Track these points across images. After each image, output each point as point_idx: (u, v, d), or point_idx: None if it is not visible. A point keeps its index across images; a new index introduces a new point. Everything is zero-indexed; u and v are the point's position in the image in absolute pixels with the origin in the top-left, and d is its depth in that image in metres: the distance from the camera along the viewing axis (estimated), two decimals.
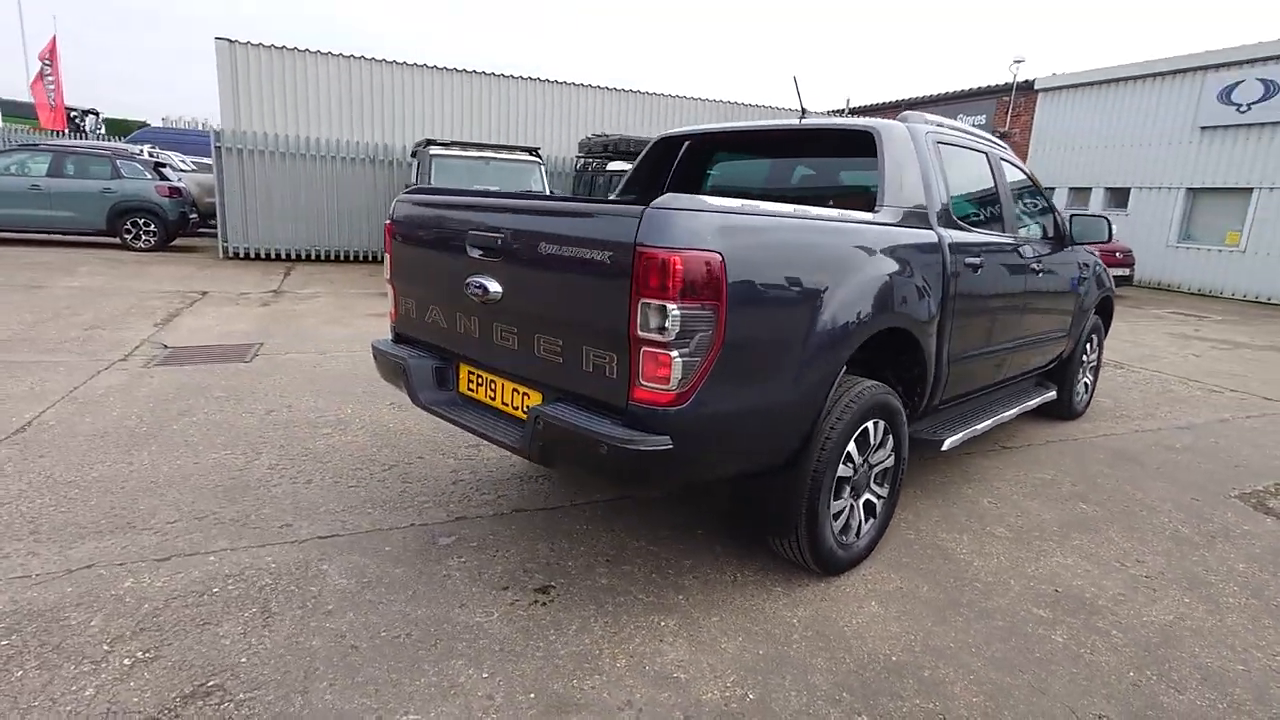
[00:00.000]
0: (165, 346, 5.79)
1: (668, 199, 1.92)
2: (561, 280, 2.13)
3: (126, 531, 2.78)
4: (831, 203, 3.29)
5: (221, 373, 5.08)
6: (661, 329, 1.88)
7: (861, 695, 2.08)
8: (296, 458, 3.61)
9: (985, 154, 3.58)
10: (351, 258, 12.49)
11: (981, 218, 3.48)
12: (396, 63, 12.84)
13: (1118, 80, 15.60)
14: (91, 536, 2.72)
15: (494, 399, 2.57)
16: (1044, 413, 4.86)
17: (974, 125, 19.26)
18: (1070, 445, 4.50)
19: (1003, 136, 19.06)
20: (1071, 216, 4.29)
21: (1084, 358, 4.84)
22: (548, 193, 9.94)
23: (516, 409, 2.46)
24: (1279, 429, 5.09)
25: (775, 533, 2.50)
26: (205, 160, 12.30)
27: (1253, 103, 13.30)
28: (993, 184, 3.59)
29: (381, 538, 2.85)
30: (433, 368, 2.75)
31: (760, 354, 2.11)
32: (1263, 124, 13.25)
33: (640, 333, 1.92)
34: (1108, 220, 4.23)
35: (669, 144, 3.82)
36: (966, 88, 19.82)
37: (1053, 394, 4.44)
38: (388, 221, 2.93)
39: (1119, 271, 12.94)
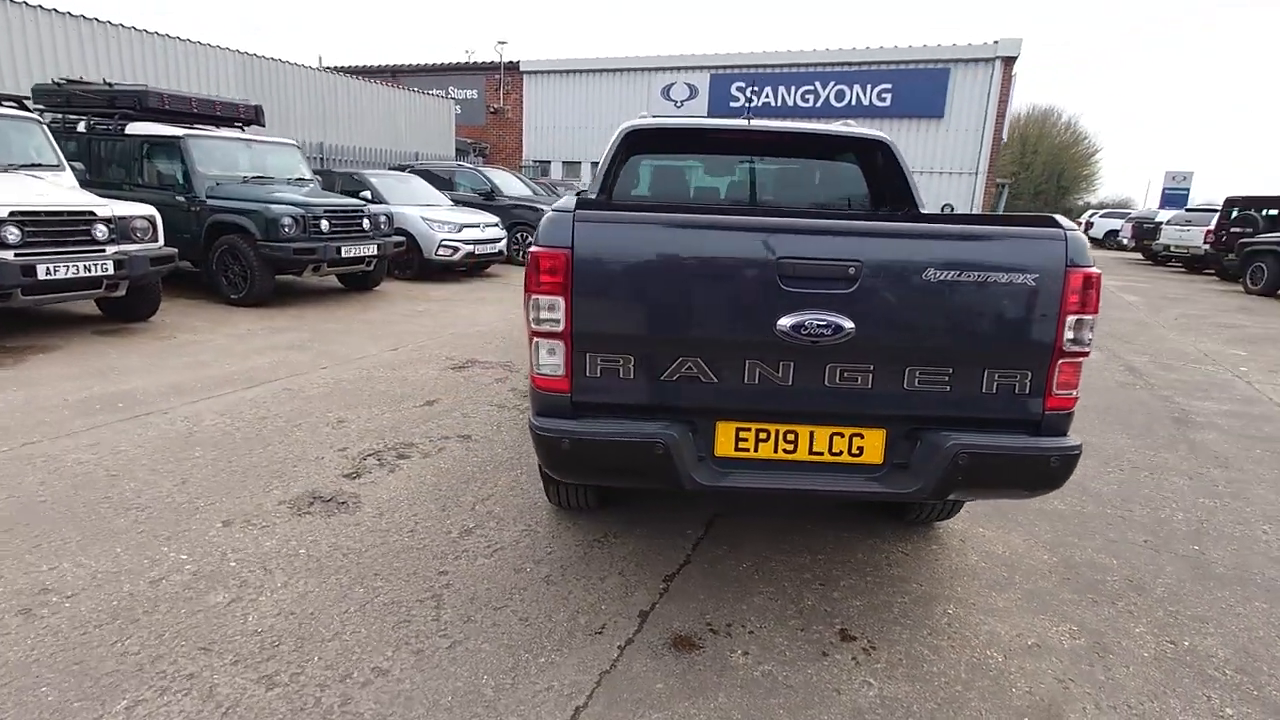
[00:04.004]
0: None
1: (1062, 219, 2.06)
2: (962, 306, 2.01)
3: None
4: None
5: None
6: (1087, 340, 2.05)
7: (1086, 591, 2.71)
8: (282, 658, 2.15)
9: None
10: None
11: None
12: None
13: (590, 71, 18.60)
14: None
15: (792, 452, 2.16)
16: None
17: (467, 99, 20.26)
18: None
19: (495, 113, 20.64)
20: None
21: None
22: (61, 163, 6.75)
23: (840, 454, 2.16)
24: None
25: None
26: None
27: (684, 100, 17.73)
28: None
29: (627, 683, 2.10)
30: (691, 436, 2.10)
31: None
32: (691, 117, 17.83)
33: (1067, 346, 2.04)
34: None
35: (641, 137, 3.40)
36: (456, 61, 20.54)
37: None
38: (559, 250, 2.00)
39: None
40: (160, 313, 6.88)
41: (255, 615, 2.32)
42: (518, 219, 12.48)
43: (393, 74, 21.88)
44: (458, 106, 19.55)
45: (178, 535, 2.82)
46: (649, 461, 2.05)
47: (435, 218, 10.19)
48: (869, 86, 15.74)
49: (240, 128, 9.30)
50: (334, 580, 2.55)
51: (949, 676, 2.18)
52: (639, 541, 2.94)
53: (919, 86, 15.26)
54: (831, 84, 16.12)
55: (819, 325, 1.99)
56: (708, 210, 2.12)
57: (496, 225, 11.00)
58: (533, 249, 2.09)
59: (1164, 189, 36.72)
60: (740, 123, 3.45)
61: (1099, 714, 2.05)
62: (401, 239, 9.10)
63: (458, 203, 11.73)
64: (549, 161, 19.73)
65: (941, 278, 2.00)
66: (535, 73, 19.41)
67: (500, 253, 11.04)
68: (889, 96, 15.57)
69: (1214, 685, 2.20)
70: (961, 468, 2.04)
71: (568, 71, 18.90)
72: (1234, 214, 16.01)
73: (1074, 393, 2.12)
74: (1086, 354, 2.09)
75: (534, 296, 2.07)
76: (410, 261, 10.05)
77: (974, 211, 15.55)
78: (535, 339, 2.11)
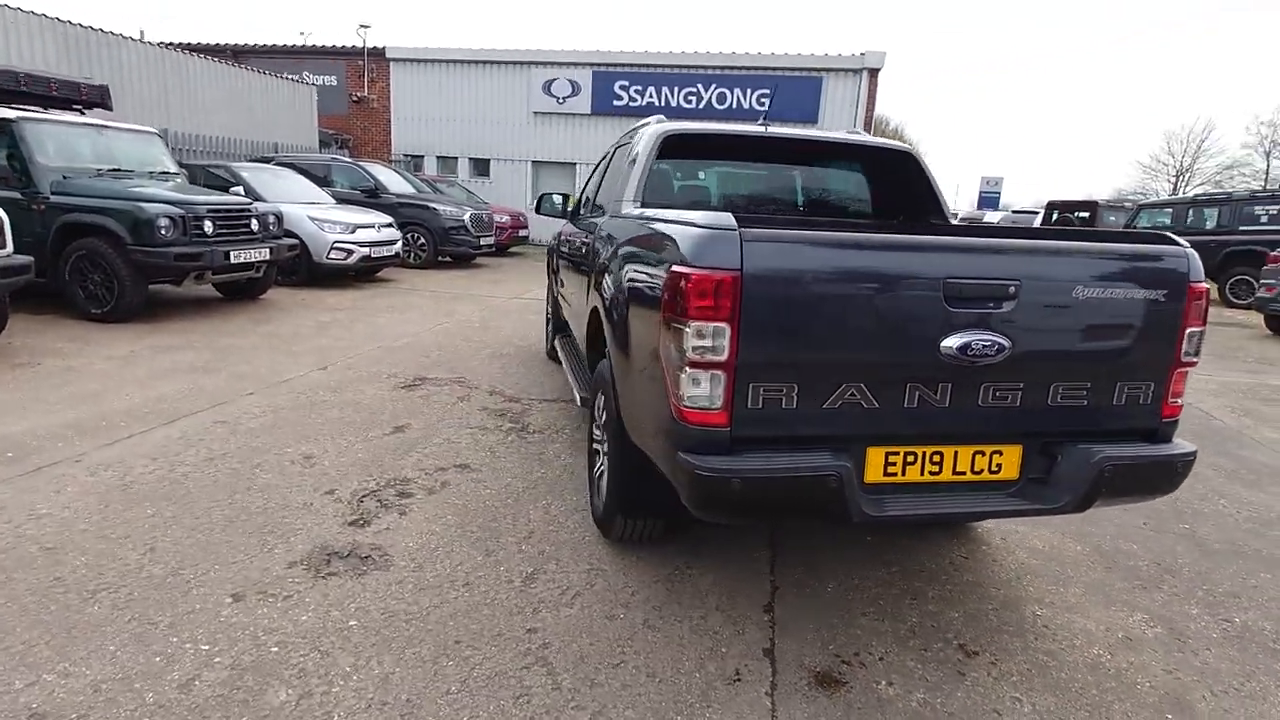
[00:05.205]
0: None
1: (1172, 235, 2.16)
2: (1101, 322, 2.05)
3: None
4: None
5: None
6: (1197, 351, 2.17)
7: (1131, 578, 2.91)
8: None
9: None
10: None
11: None
12: None
13: (467, 62, 17.74)
14: None
15: (938, 473, 2.11)
16: None
17: (325, 86, 18.69)
18: None
19: (359, 102, 19.18)
20: None
21: None
22: None
23: (980, 472, 2.14)
24: None
25: None
26: None
27: (566, 97, 17.40)
28: None
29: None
30: (852, 465, 1.97)
31: None
32: (574, 114, 17.56)
33: (1184, 356, 2.15)
34: None
35: (674, 142, 3.18)
36: (311, 44, 18.84)
37: None
38: (725, 273, 1.79)
39: (522, 233, 15.41)
40: (4, 334, 5.70)
41: (341, 713, 1.93)
42: (409, 219, 11.67)
43: (234, 55, 19.63)
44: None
45: (181, 619, 2.30)
46: (822, 495, 1.92)
47: (325, 217, 9.28)
48: (749, 90, 16.30)
49: (80, 111, 7.92)
50: (412, 654, 2.18)
51: (1080, 681, 2.24)
52: (715, 571, 2.78)
53: (795, 93, 16.02)
54: (714, 87, 16.52)
55: (984, 345, 1.95)
56: (872, 228, 2.01)
57: (391, 225, 10.21)
58: (681, 269, 1.88)
59: (980, 192, 41.42)
60: (776, 130, 3.38)
61: (1216, 699, 2.19)
62: (295, 242, 8.19)
63: (340, 201, 10.75)
64: (421, 156, 18.63)
65: (1088, 294, 2.03)
66: (404, 61, 18.19)
67: (396, 255, 10.27)
68: (768, 101, 16.22)
69: None
70: (1106, 479, 2.09)
71: (441, 61, 17.88)
72: (1055, 216, 18.33)
73: (1181, 400, 2.25)
74: (1196, 364, 2.22)
75: (690, 324, 1.86)
76: (296, 266, 9.06)
77: None
78: (687, 369, 1.90)
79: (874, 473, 2.10)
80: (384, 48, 18.33)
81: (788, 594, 2.66)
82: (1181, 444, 2.25)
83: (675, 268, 1.92)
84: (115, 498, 3.11)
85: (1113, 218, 18.35)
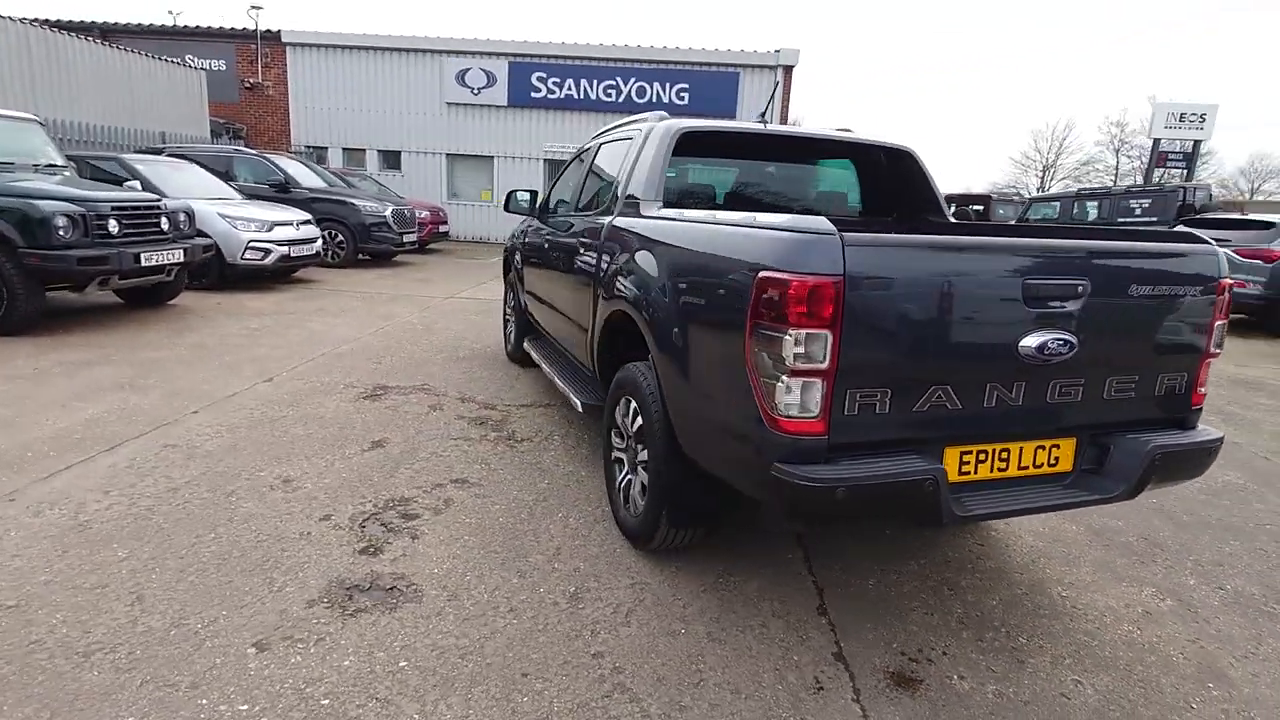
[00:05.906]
0: None
1: (1201, 235, 2.30)
2: (1150, 318, 2.15)
3: None
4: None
5: None
6: (1222, 342, 2.33)
7: (1127, 554, 3.11)
8: None
9: None
10: None
11: None
12: None
13: (373, 49, 16.83)
14: None
15: (1005, 469, 2.16)
16: None
17: (214, 71, 17.30)
18: None
19: (252, 89, 17.85)
20: None
21: None
22: None
23: (1041, 466, 2.21)
24: None
25: None
26: None
27: (481, 88, 16.87)
28: None
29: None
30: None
31: None
32: (490, 105, 17.04)
33: (1212, 348, 2.30)
34: None
35: (688, 139, 3.08)
36: (194, 24, 17.32)
37: None
38: (826, 278, 1.73)
39: (442, 228, 14.83)
40: None
41: None
42: (325, 215, 10.97)
43: (103, 34, 17.77)
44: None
45: (203, 677, 2.03)
46: (919, 499, 1.92)
47: (238, 215, 8.57)
48: (668, 85, 16.36)
49: None
50: (480, 693, 2.03)
51: (1125, 658, 2.36)
52: (758, 577, 2.75)
53: (713, 88, 16.24)
54: (633, 80, 16.46)
55: (1059, 344, 2.01)
56: (960, 231, 2.02)
57: (310, 223, 9.57)
58: (776, 275, 1.83)
59: None
60: (779, 127, 3.36)
61: (1243, 665, 2.37)
62: (211, 242, 7.51)
63: (248, 197, 9.96)
64: (325, 148, 17.57)
65: (1141, 291, 2.13)
66: (302, 45, 17.01)
67: (317, 255, 9.63)
68: (687, 95, 16.34)
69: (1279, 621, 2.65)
70: (1157, 467, 2.21)
71: (345, 47, 16.85)
72: (952, 208, 19.50)
73: (1205, 389, 2.41)
74: (1219, 355, 2.38)
75: (789, 331, 1.80)
76: (206, 269, 8.31)
77: None
78: (784, 378, 1.85)
79: (951, 472, 2.12)
80: (279, 31, 17.12)
81: (834, 594, 2.66)
82: (1210, 430, 2.41)
83: (767, 273, 1.86)
84: (73, 541, 2.73)
85: (1003, 210, 19.76)
